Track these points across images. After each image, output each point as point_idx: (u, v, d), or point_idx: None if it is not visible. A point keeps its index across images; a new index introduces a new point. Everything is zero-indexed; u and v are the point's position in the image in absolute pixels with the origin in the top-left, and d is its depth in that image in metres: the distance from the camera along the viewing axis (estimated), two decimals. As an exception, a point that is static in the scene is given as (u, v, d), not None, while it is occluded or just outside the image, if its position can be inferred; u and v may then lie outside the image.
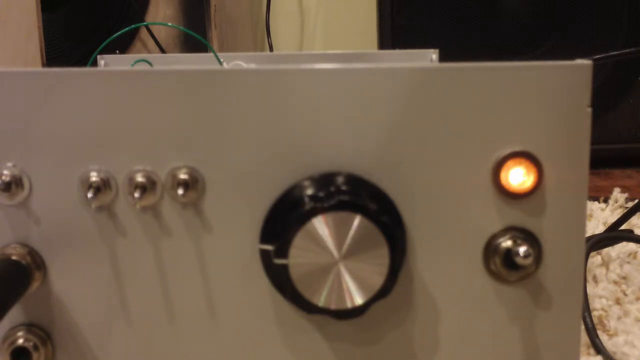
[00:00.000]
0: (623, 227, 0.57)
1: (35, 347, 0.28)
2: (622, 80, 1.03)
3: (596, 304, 0.49)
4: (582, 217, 0.28)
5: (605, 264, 0.57)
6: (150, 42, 1.08)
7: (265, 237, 0.27)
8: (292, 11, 1.38)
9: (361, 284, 0.26)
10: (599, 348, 0.42)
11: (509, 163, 0.27)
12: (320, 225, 0.25)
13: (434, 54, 0.62)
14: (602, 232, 0.58)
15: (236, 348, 0.28)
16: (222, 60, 0.62)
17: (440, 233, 0.27)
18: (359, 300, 0.26)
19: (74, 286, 0.28)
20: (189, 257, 0.28)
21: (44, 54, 0.74)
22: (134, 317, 0.28)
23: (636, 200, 0.60)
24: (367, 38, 1.26)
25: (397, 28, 1.06)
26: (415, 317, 0.28)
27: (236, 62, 0.62)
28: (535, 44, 1.04)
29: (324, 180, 0.27)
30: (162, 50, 1.07)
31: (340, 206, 0.25)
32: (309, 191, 0.26)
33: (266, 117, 0.27)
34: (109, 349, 0.28)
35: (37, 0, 0.73)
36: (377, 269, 0.26)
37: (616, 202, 0.77)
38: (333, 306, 0.26)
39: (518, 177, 0.27)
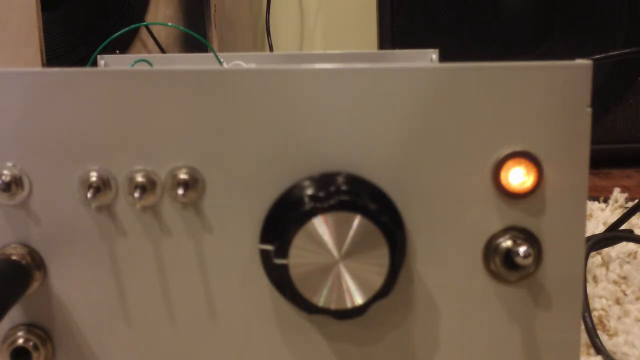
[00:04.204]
0: (623, 227, 0.57)
1: (35, 347, 0.28)
2: (622, 80, 1.03)
3: (596, 304, 0.49)
4: (582, 217, 0.28)
5: (605, 264, 0.57)
6: (150, 42, 1.08)
7: (265, 237, 0.27)
8: (292, 11, 1.38)
9: (361, 284, 0.26)
10: (599, 348, 0.42)
11: (509, 163, 0.27)
12: (320, 225, 0.25)
13: (434, 54, 0.62)
14: (602, 232, 0.58)
15: (236, 348, 0.28)
16: (222, 60, 0.62)
17: (440, 233, 0.27)
18: (359, 300, 0.26)
19: (74, 286, 0.28)
20: (189, 257, 0.28)
21: (44, 54, 0.74)
22: (134, 317, 0.28)
23: (636, 200, 0.60)
24: (367, 38, 1.26)
25: (397, 28, 1.06)
26: (415, 317, 0.28)
27: (236, 62, 0.62)
28: (535, 44, 1.05)
29: (324, 180, 0.27)
30: (162, 50, 1.07)
31: (340, 206, 0.25)
32: (309, 191, 0.26)
33: (266, 117, 0.27)
34: (109, 349, 0.29)
35: (37, 0, 0.73)
36: (377, 269, 0.26)
37: (616, 202, 0.77)
38: (333, 306, 0.26)
39: (518, 177, 0.27)
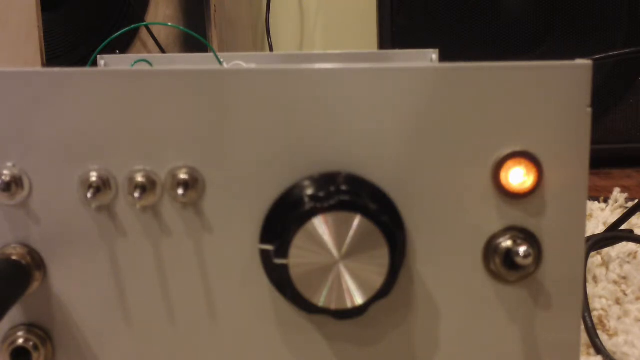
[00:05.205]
0: (623, 227, 0.57)
1: (35, 347, 0.28)
2: (622, 80, 1.03)
3: (596, 304, 0.49)
4: (582, 217, 0.28)
5: (605, 264, 0.56)
6: (150, 42, 1.08)
7: (265, 237, 0.27)
8: (292, 11, 1.38)
9: (361, 284, 0.26)
10: (599, 348, 0.42)
11: (509, 163, 0.27)
12: (320, 225, 0.25)
13: (434, 54, 0.62)
14: (602, 232, 0.58)
15: (236, 348, 0.28)
16: (222, 60, 0.62)
17: (440, 233, 0.27)
18: (359, 300, 0.26)
19: (74, 286, 0.28)
20: (189, 257, 0.28)
21: (44, 54, 0.74)
22: (134, 317, 0.28)
23: (636, 200, 0.60)
24: (367, 38, 1.26)
25: (397, 28, 1.06)
26: (415, 317, 0.28)
27: (236, 62, 0.62)
28: (535, 44, 1.05)
29: (324, 180, 0.27)
30: (162, 50, 1.07)
31: (340, 206, 0.25)
32: (309, 191, 0.26)
33: (266, 117, 0.27)
34: (109, 349, 0.29)
35: (37, 0, 0.73)
36: (377, 269, 0.26)
37: (616, 202, 0.77)
38: (333, 306, 0.26)
39: (518, 177, 0.27)
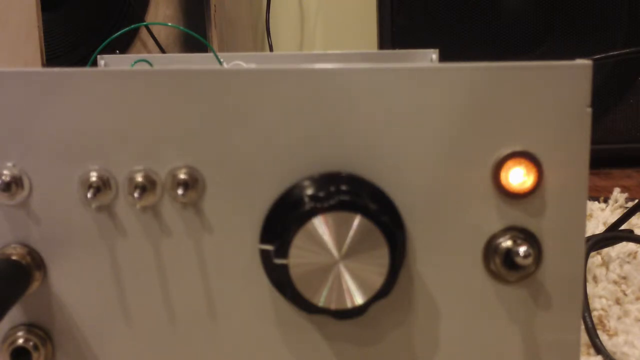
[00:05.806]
0: (623, 227, 0.57)
1: (35, 347, 0.28)
2: (622, 80, 1.03)
3: (596, 304, 0.49)
4: (582, 217, 0.28)
5: (605, 264, 0.56)
6: (150, 42, 1.08)
7: (265, 237, 0.27)
8: (292, 11, 1.38)
9: (361, 284, 0.26)
10: (599, 348, 0.42)
11: (509, 163, 0.27)
12: (320, 225, 0.25)
13: (434, 54, 0.62)
14: (602, 232, 0.58)
15: (236, 348, 0.28)
16: (222, 60, 0.62)
17: (440, 233, 0.27)
18: (359, 300, 0.26)
19: (74, 286, 0.28)
20: (189, 257, 0.28)
21: (44, 54, 0.74)
22: (134, 317, 0.28)
23: (636, 200, 0.60)
24: (367, 38, 1.26)
25: (397, 28, 1.06)
26: (415, 317, 0.28)
27: (236, 62, 0.62)
28: (535, 44, 1.05)
29: (324, 180, 0.27)
30: (162, 50, 1.07)
31: (340, 206, 0.25)
32: (309, 191, 0.26)
33: (266, 117, 0.27)
34: (109, 349, 0.29)
35: (37, 0, 0.73)
36: (377, 269, 0.26)
37: (616, 202, 0.77)
38: (333, 306, 0.26)
39: (518, 177, 0.27)
